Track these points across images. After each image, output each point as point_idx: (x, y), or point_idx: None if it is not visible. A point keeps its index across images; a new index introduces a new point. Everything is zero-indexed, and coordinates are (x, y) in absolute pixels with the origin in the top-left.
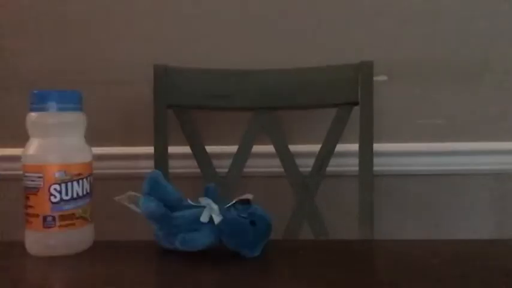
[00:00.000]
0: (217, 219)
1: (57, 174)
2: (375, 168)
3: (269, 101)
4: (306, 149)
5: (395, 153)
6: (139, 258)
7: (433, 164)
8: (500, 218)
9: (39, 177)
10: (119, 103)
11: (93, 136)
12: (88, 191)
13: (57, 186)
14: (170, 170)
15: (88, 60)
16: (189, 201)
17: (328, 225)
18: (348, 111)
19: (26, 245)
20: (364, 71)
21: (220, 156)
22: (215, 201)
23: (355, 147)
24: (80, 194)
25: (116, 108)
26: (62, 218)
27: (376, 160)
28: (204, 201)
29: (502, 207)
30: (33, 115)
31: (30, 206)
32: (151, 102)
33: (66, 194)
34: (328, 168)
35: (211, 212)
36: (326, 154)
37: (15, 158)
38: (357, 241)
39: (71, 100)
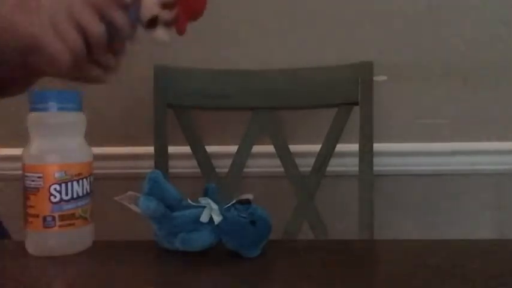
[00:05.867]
0: (217, 219)
1: (57, 174)
2: (375, 168)
3: (269, 101)
4: (306, 149)
5: (395, 153)
6: (139, 258)
7: (433, 164)
8: (500, 218)
9: (39, 177)
10: (119, 103)
11: (93, 136)
12: (88, 191)
13: (57, 186)
14: (170, 170)
15: None
16: (189, 201)
17: (328, 225)
18: (348, 111)
19: (26, 245)
20: (364, 71)
21: (220, 156)
22: (215, 201)
23: (355, 147)
24: (80, 194)
25: (116, 108)
26: (62, 218)
27: (376, 160)
28: (204, 201)
29: (502, 207)
30: (33, 115)
31: (30, 206)
32: (152, 102)
33: (66, 194)
34: (328, 168)
35: (211, 212)
36: (326, 154)
37: (15, 158)
38: (357, 241)
39: (71, 100)
